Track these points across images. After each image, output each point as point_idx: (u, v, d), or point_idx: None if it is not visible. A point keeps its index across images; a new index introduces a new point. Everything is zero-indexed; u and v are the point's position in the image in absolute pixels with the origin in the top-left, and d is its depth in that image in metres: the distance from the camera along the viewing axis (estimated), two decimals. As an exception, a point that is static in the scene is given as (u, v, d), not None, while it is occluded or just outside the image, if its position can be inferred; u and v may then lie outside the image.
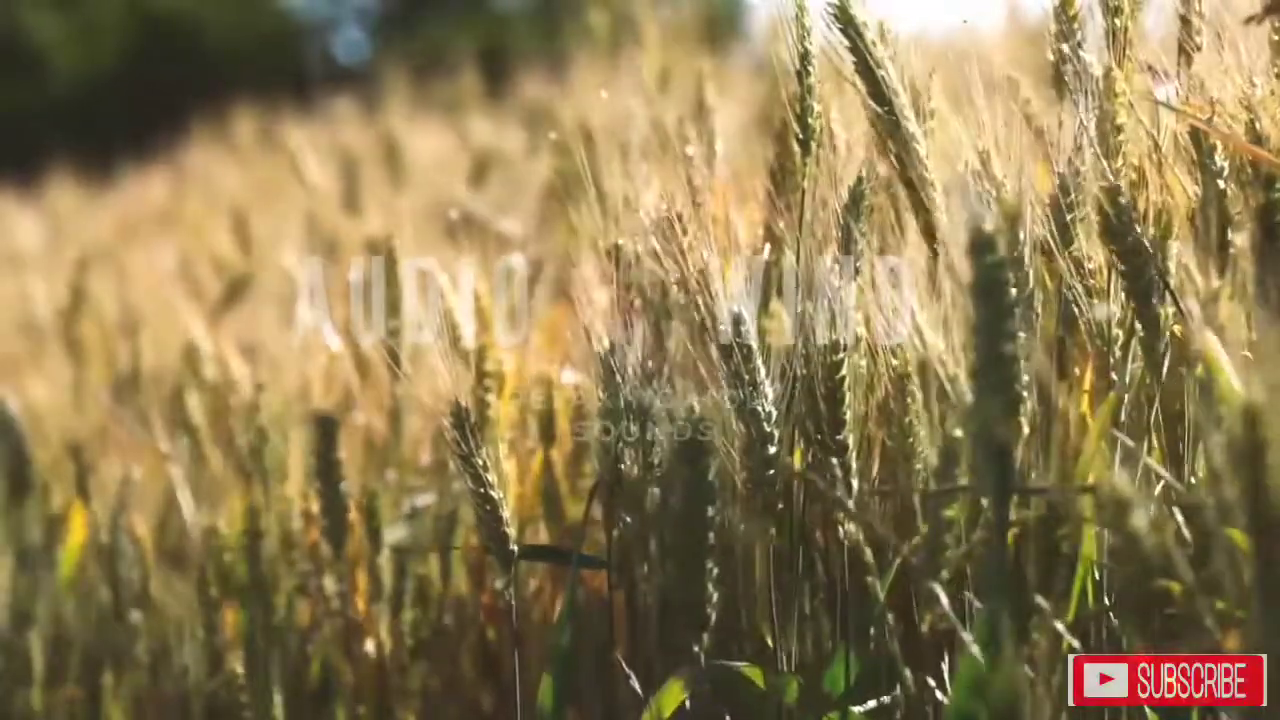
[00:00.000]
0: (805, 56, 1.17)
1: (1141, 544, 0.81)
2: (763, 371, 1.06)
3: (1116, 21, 1.08)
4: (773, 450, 1.06)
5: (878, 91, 1.08)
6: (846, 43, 1.09)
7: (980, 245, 0.85)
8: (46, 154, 4.11)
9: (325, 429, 1.44)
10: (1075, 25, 1.12)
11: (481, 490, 1.15)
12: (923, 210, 1.09)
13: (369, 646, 1.49)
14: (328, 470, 1.44)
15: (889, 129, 1.08)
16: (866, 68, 1.08)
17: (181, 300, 2.23)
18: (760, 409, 1.06)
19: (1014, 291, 0.86)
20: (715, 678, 1.09)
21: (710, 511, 1.03)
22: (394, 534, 1.51)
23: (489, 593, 1.48)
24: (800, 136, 1.18)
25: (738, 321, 1.07)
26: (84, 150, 4.03)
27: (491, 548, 1.16)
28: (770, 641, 1.12)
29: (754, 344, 1.07)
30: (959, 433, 0.97)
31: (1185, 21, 1.11)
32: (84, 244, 2.81)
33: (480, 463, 1.15)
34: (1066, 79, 1.08)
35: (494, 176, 2.69)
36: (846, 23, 1.09)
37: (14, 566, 1.72)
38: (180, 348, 1.94)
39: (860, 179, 1.16)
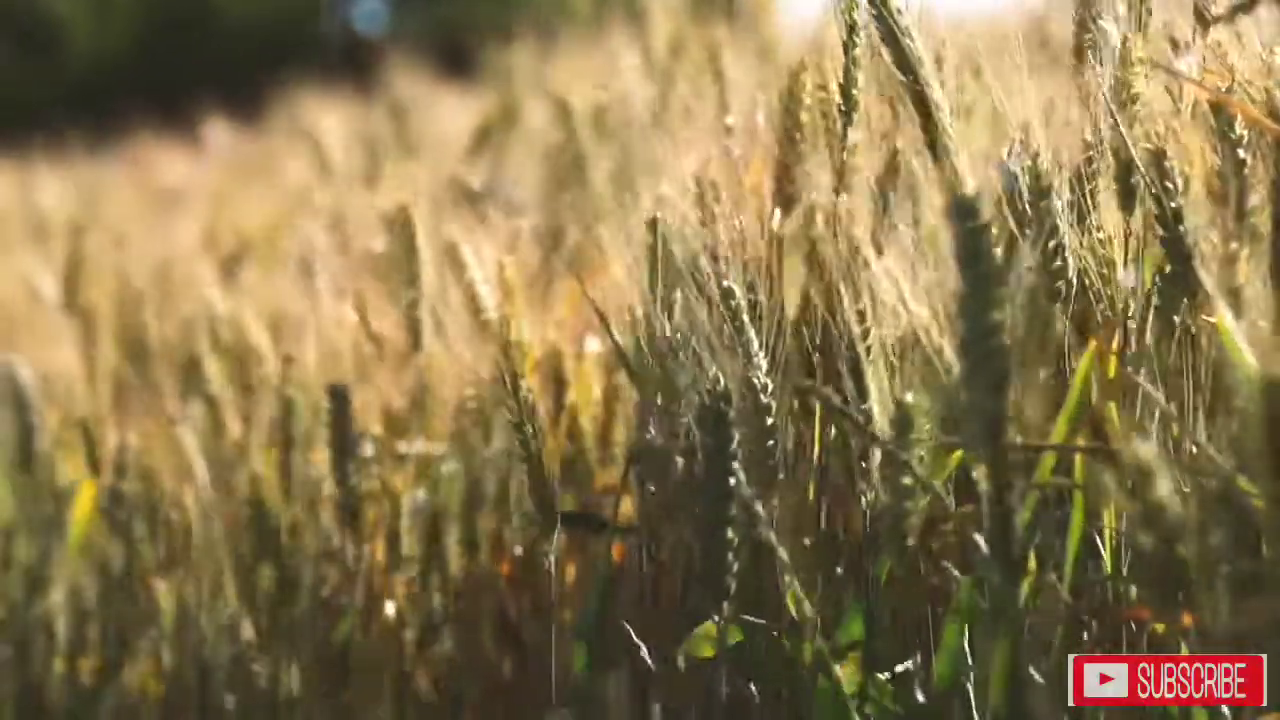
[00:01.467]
0: (853, 28, 1.18)
1: (1165, 514, 0.80)
2: (755, 343, 1.07)
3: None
4: (770, 421, 1.06)
5: (903, 60, 1.08)
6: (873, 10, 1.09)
7: (962, 210, 0.84)
8: (65, 130, 4.11)
9: (339, 399, 1.44)
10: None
11: (529, 455, 1.16)
12: (947, 180, 1.09)
13: (389, 615, 1.50)
14: (342, 440, 1.45)
15: (914, 98, 1.08)
16: (893, 36, 1.08)
17: (200, 270, 2.23)
18: (755, 379, 1.06)
19: (998, 258, 0.85)
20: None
21: (732, 481, 1.04)
22: (413, 502, 1.52)
23: (509, 562, 1.48)
24: (843, 108, 1.19)
25: (727, 295, 1.08)
26: (102, 127, 4.03)
27: (537, 511, 1.17)
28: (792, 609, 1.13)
29: (745, 316, 1.07)
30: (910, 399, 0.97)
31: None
32: (105, 218, 2.82)
33: (529, 429, 1.16)
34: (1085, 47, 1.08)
35: (509, 148, 2.69)
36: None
37: (25, 536, 1.73)
38: (196, 315, 1.94)
39: (895, 151, 1.17)
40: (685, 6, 2.51)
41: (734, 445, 1.04)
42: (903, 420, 0.99)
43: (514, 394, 1.18)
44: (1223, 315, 0.91)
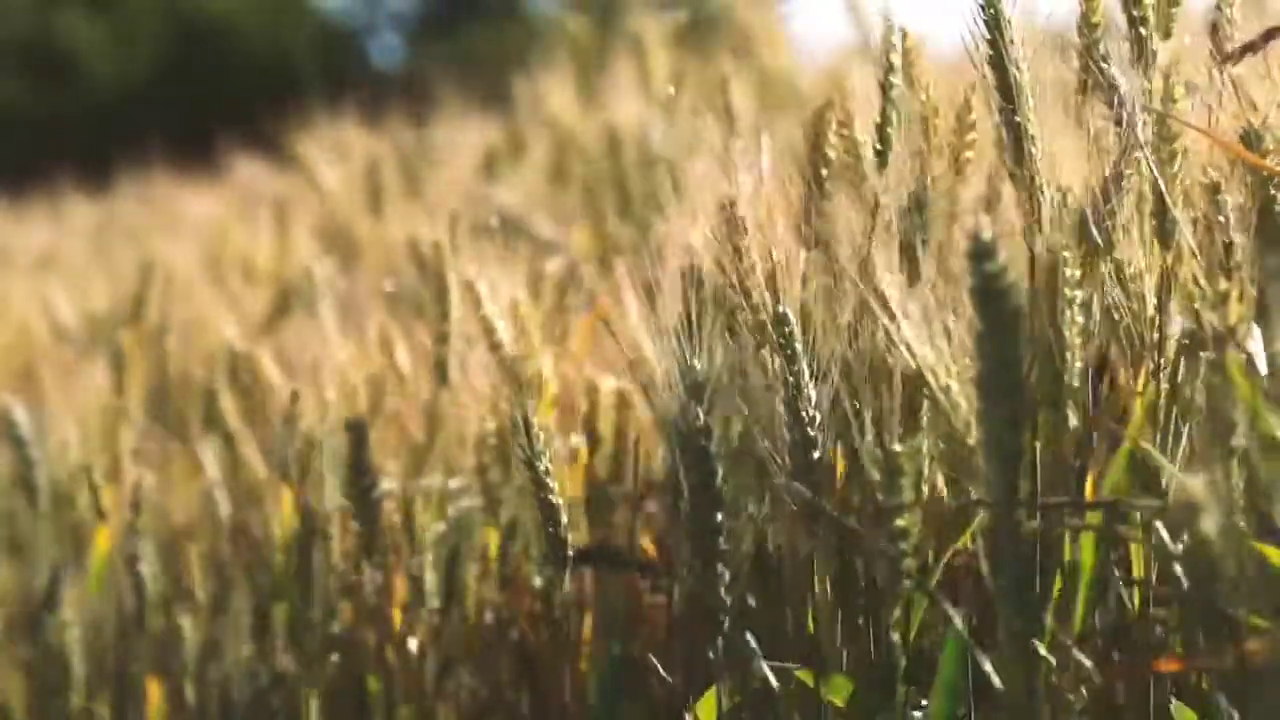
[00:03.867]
0: (890, 69, 1.19)
1: (1211, 550, 0.80)
2: (806, 374, 1.07)
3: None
4: (816, 455, 1.06)
5: (1006, 87, 1.07)
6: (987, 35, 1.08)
7: (980, 253, 0.85)
8: (81, 159, 4.12)
9: (356, 434, 1.45)
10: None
11: (543, 495, 1.16)
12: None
13: (410, 650, 1.50)
14: (359, 476, 1.45)
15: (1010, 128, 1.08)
16: (1000, 63, 1.07)
17: (218, 307, 2.24)
18: (805, 412, 1.06)
19: (1016, 298, 0.85)
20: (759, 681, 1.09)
21: (719, 518, 1.04)
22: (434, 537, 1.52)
23: (528, 597, 1.48)
24: (878, 148, 1.20)
25: (782, 322, 1.07)
26: (119, 156, 4.04)
27: (550, 552, 1.17)
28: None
29: (799, 346, 1.07)
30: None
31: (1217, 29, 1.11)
32: (119, 250, 2.83)
33: (543, 468, 1.15)
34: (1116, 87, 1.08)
35: (518, 180, 2.70)
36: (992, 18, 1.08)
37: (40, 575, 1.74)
38: (215, 353, 1.95)
39: (923, 186, 1.17)
40: (685, 39, 2.52)
41: (718, 480, 1.03)
42: (890, 468, 0.99)
43: (526, 432, 1.17)
44: (1232, 354, 0.91)
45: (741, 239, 1.16)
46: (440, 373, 1.56)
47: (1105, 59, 1.10)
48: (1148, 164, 1.05)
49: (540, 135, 2.80)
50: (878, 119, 1.21)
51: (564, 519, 1.16)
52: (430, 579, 1.50)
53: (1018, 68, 1.06)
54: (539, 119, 2.82)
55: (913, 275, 1.07)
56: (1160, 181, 1.05)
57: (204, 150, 3.97)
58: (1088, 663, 1.00)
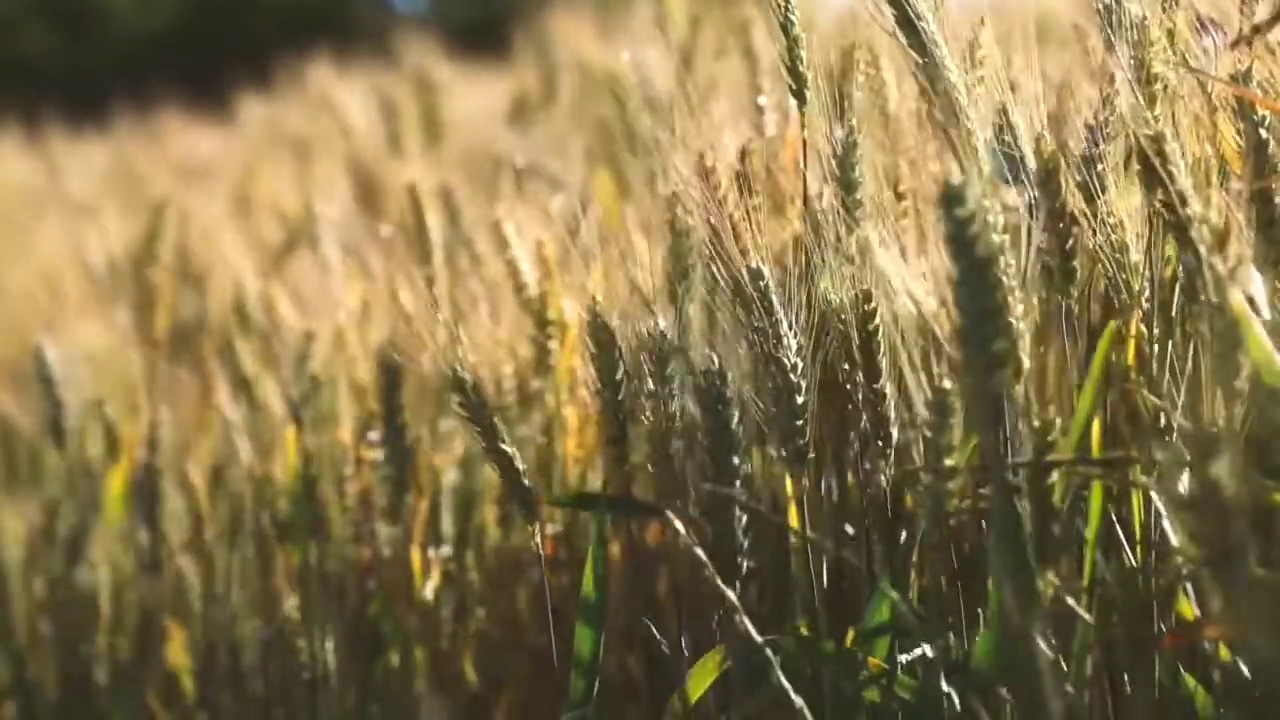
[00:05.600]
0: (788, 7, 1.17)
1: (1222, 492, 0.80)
2: (785, 324, 1.07)
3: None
4: (800, 400, 1.06)
5: (918, 42, 1.07)
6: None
7: (950, 198, 0.84)
8: (106, 107, 4.13)
9: (390, 374, 1.44)
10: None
11: (492, 446, 1.15)
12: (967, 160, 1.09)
13: (427, 593, 1.51)
14: (392, 416, 1.45)
15: (931, 81, 1.07)
16: (908, 19, 1.07)
17: (237, 247, 2.24)
18: (785, 360, 1.06)
19: (991, 243, 0.85)
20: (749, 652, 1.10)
21: (735, 460, 1.04)
22: (449, 479, 1.53)
23: (549, 540, 1.48)
24: (793, 87, 1.18)
25: (756, 276, 1.08)
26: (142, 104, 4.04)
27: (515, 500, 1.17)
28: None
29: (774, 298, 1.07)
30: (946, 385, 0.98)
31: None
32: (143, 193, 2.82)
33: (486, 420, 1.15)
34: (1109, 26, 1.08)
35: (536, 124, 2.69)
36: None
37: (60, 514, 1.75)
38: (233, 295, 1.95)
39: (851, 129, 1.16)
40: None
41: (735, 424, 1.04)
42: (940, 406, 0.99)
43: (461, 388, 1.16)
44: (1239, 299, 0.91)
45: (725, 190, 1.16)
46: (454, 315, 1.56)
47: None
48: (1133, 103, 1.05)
49: (560, 80, 2.79)
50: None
51: (521, 466, 1.15)
52: (447, 521, 1.51)
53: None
54: (557, 64, 2.81)
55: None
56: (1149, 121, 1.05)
57: (227, 96, 3.98)
58: (1088, 617, 1.00)
